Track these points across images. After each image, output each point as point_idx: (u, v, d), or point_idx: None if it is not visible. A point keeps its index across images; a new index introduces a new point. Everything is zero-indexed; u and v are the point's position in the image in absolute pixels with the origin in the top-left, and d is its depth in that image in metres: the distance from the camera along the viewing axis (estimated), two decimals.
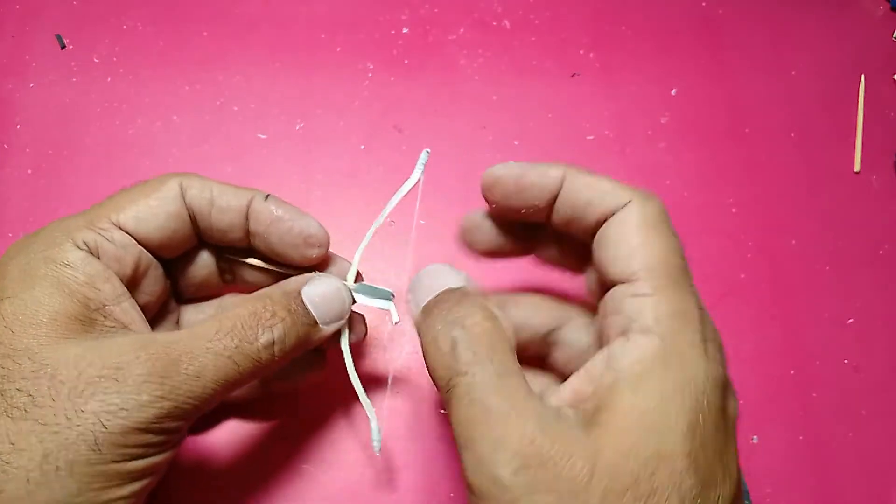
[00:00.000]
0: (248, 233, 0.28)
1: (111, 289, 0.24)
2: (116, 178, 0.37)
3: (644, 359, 0.20)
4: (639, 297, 0.21)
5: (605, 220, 0.23)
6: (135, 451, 0.22)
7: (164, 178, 0.27)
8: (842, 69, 0.43)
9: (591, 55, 0.42)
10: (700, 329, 0.21)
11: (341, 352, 0.28)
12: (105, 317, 0.24)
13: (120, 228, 0.25)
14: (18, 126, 0.38)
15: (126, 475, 0.22)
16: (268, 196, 0.28)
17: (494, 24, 0.43)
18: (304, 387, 0.33)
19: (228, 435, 0.33)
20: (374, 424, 0.27)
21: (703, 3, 0.45)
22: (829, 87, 0.43)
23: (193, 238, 0.27)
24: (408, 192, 0.29)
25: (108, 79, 0.40)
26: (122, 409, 0.21)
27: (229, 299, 0.31)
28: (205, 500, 0.31)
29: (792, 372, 0.36)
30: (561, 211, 0.24)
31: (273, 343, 0.24)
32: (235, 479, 0.32)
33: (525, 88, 0.41)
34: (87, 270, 0.24)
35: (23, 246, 0.24)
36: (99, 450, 0.21)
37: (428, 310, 0.24)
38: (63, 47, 0.40)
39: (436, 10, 0.43)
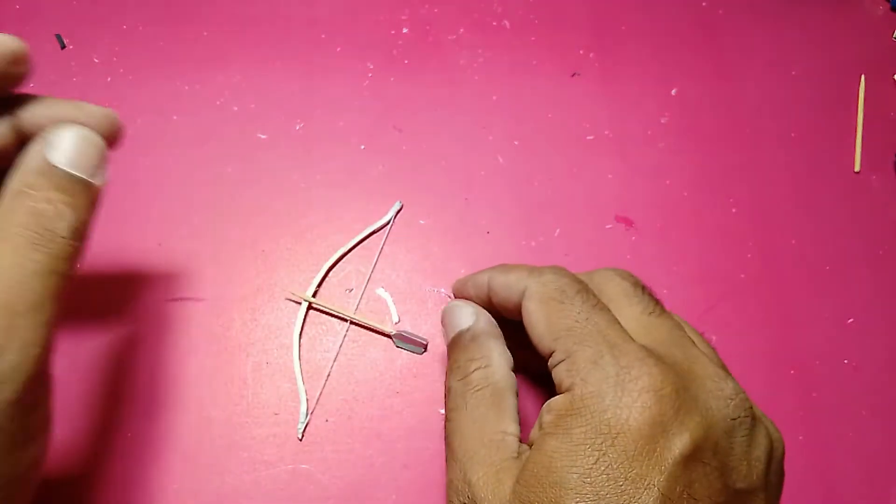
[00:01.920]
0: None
1: None
2: (116, 177, 0.37)
3: (560, 413, 0.22)
4: (556, 364, 0.24)
5: (520, 309, 0.26)
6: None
7: None
8: (842, 69, 0.43)
9: (591, 55, 0.42)
10: (612, 374, 0.22)
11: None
12: None
13: None
14: None
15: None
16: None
17: (494, 24, 0.43)
18: None
19: (229, 434, 0.33)
20: (302, 408, 0.32)
21: (704, 4, 0.45)
22: (829, 86, 0.43)
23: None
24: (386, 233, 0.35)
25: (108, 78, 0.40)
26: None
27: None
28: (205, 499, 0.31)
29: (792, 372, 0.36)
30: (497, 308, 0.28)
31: (75, 231, 0.22)
32: (235, 479, 0.32)
33: (525, 88, 0.41)
34: None
35: None
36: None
37: (448, 349, 0.29)
38: (63, 47, 0.40)
39: (436, 11, 0.43)
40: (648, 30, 0.43)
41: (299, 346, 0.34)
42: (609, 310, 0.25)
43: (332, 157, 0.39)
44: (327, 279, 0.36)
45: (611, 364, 0.22)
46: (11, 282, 0.20)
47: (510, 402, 0.26)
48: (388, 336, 0.34)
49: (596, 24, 0.43)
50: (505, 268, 0.28)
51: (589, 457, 0.21)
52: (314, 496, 0.32)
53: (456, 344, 0.28)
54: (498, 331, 0.28)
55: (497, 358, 0.27)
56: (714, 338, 0.36)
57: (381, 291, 0.36)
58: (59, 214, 0.21)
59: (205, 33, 0.41)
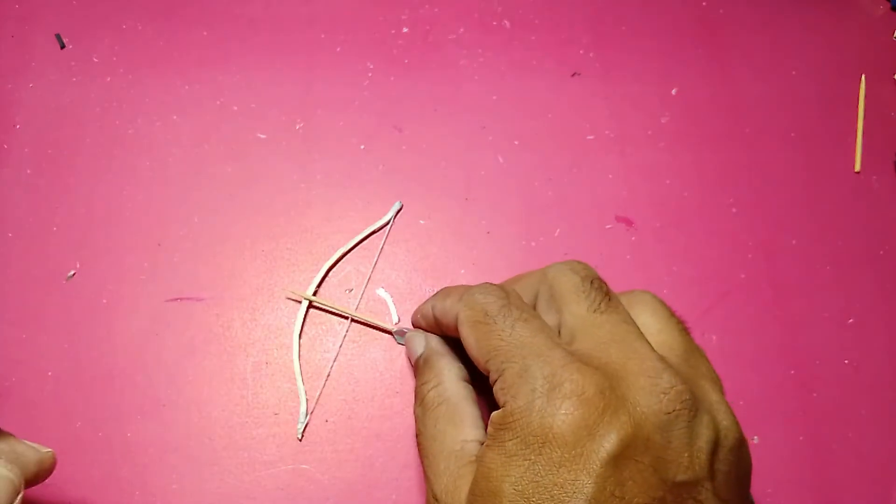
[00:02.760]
0: None
1: None
2: (116, 177, 0.37)
3: (497, 426, 0.23)
4: (493, 383, 0.24)
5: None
6: None
7: None
8: (842, 69, 0.43)
9: (592, 55, 0.42)
10: (540, 385, 0.22)
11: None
12: None
13: None
14: (18, 126, 0.38)
15: None
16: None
17: (494, 23, 0.43)
18: None
19: (229, 434, 0.33)
20: (302, 408, 0.33)
21: (704, 4, 0.45)
22: (830, 87, 0.43)
23: None
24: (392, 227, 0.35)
25: (108, 79, 0.40)
26: None
27: None
28: (205, 499, 0.31)
29: (792, 372, 0.36)
30: (444, 331, 0.29)
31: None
32: (236, 478, 0.32)
33: (525, 88, 0.41)
34: None
35: None
36: None
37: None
38: (63, 47, 0.40)
39: (436, 10, 0.43)
40: (649, 30, 0.43)
41: (299, 345, 0.34)
42: (536, 317, 0.25)
43: (332, 157, 0.39)
44: (327, 279, 0.36)
45: (538, 376, 0.22)
46: None
47: (467, 410, 0.26)
48: (389, 332, 0.34)
49: (596, 23, 0.43)
50: (444, 293, 0.29)
51: (519, 466, 0.22)
52: (314, 496, 0.32)
53: (414, 372, 0.30)
54: (446, 349, 0.30)
55: (447, 374, 0.28)
56: (714, 338, 0.36)
57: (381, 291, 0.36)
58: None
59: (205, 33, 0.41)
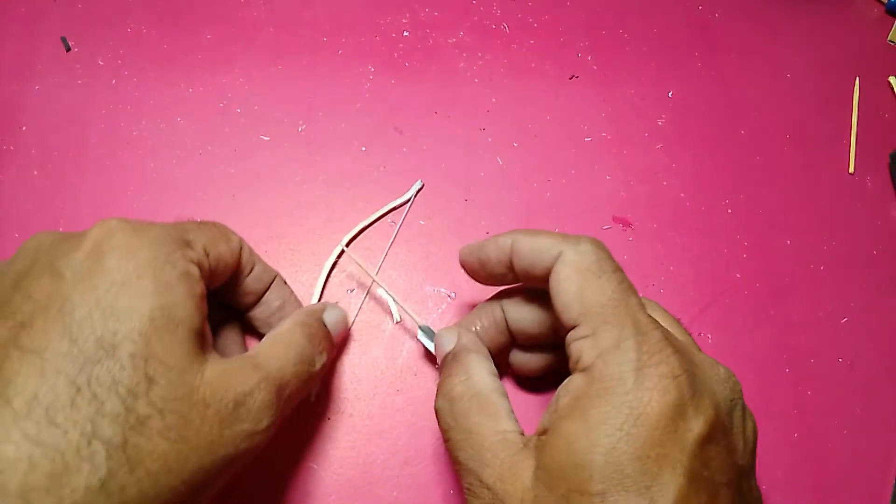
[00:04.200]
0: (257, 300, 0.32)
1: (205, 307, 0.25)
2: (121, 179, 0.38)
3: (577, 395, 0.23)
4: (579, 339, 0.24)
5: (547, 274, 0.26)
6: (235, 469, 0.24)
7: (227, 230, 0.29)
8: (837, 71, 0.44)
9: (589, 58, 0.43)
10: (634, 359, 0.22)
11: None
12: (205, 335, 0.24)
13: (208, 258, 0.26)
14: (24, 128, 0.39)
15: (218, 482, 0.24)
16: (284, 281, 0.33)
17: (494, 27, 0.43)
18: None
19: None
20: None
21: (700, 7, 0.45)
22: (824, 89, 0.43)
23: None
24: (401, 213, 0.34)
25: (113, 81, 0.40)
26: (251, 434, 0.24)
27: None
28: None
29: (787, 370, 0.36)
30: (519, 272, 0.27)
31: (323, 366, 0.28)
32: (239, 477, 0.32)
33: (524, 91, 0.42)
34: (202, 286, 0.25)
35: (138, 240, 0.23)
36: (222, 470, 0.23)
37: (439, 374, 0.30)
38: (68, 50, 0.41)
39: (436, 14, 0.43)
40: (645, 33, 0.44)
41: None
42: (637, 293, 0.25)
43: (333, 159, 0.39)
44: (329, 278, 0.36)
45: (633, 349, 0.22)
46: (290, 373, 0.26)
47: (499, 403, 0.26)
48: (416, 324, 0.33)
49: (593, 27, 0.44)
50: (532, 231, 0.27)
51: (611, 436, 0.21)
52: (315, 494, 0.32)
53: (441, 368, 0.29)
54: (478, 345, 0.29)
55: (476, 367, 0.27)
56: (710, 337, 0.36)
57: (381, 291, 0.36)
58: (321, 352, 0.28)
59: (208, 36, 0.42)
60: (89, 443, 0.20)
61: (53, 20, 0.42)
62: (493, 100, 0.41)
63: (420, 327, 0.32)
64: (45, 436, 0.20)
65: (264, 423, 0.24)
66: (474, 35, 0.43)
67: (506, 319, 0.30)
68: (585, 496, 0.21)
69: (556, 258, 0.25)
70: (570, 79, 0.42)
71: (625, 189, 0.39)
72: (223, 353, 0.27)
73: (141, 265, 0.23)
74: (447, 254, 0.37)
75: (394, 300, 0.33)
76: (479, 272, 0.29)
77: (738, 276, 0.38)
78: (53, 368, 0.20)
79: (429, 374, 0.35)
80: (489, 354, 0.29)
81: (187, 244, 0.25)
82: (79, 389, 0.20)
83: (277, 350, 0.26)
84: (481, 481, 0.24)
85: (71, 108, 0.39)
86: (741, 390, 0.25)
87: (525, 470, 0.23)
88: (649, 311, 0.26)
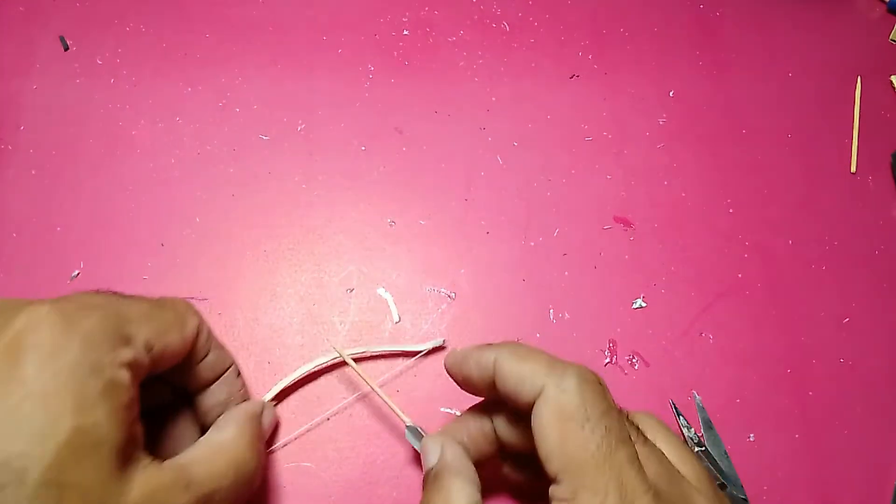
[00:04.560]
0: (206, 387, 0.29)
1: (136, 410, 0.23)
2: (120, 178, 0.38)
3: None
4: (559, 496, 0.22)
5: (531, 407, 0.23)
6: None
7: (186, 314, 0.27)
8: (838, 71, 0.44)
9: (590, 57, 0.43)
10: None
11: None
12: (132, 445, 0.22)
13: (148, 353, 0.24)
14: (22, 127, 0.39)
15: None
16: (238, 373, 0.31)
17: (494, 26, 0.43)
18: None
19: None
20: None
21: (701, 6, 0.45)
22: (826, 88, 0.43)
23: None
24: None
25: (111, 80, 0.40)
26: None
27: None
28: None
29: (788, 370, 0.36)
30: (501, 395, 0.25)
31: (257, 470, 0.27)
32: None
33: (524, 90, 0.41)
34: (131, 393, 0.22)
35: (63, 338, 0.21)
36: None
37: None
38: (66, 49, 0.41)
39: (436, 13, 0.43)
40: (646, 32, 0.44)
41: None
42: (630, 442, 0.22)
43: (333, 158, 0.39)
44: (328, 279, 0.36)
45: None
46: (214, 476, 0.25)
47: None
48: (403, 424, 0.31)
49: (594, 26, 0.44)
50: (518, 353, 0.25)
51: None
52: (315, 494, 0.32)
53: (424, 484, 0.27)
54: (464, 462, 0.26)
55: (456, 495, 0.25)
56: (711, 337, 0.36)
57: (381, 291, 0.36)
58: (257, 456, 0.27)
59: (207, 35, 0.42)
60: None
61: (52, 19, 0.41)
62: (494, 99, 0.41)
63: (407, 427, 0.30)
64: None
65: None
66: (474, 34, 0.43)
67: (495, 431, 0.28)
68: None
69: (538, 394, 0.23)
70: (571, 78, 0.42)
71: (625, 189, 0.39)
72: (172, 438, 0.28)
73: (62, 373, 0.20)
74: (447, 254, 0.37)
75: (386, 401, 0.31)
76: (462, 385, 0.28)
77: (739, 276, 0.38)
78: None
79: (429, 376, 0.34)
80: (474, 474, 0.26)
81: (125, 340, 0.23)
82: None
83: (216, 463, 0.25)
84: None
85: (69, 108, 0.39)
86: None
87: None
88: (649, 434, 0.24)
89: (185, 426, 0.29)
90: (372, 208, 0.38)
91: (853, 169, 0.41)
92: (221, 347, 0.30)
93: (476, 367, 0.26)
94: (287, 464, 0.32)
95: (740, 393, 0.35)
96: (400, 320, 0.35)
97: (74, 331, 0.21)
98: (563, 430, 0.22)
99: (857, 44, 0.45)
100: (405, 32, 0.42)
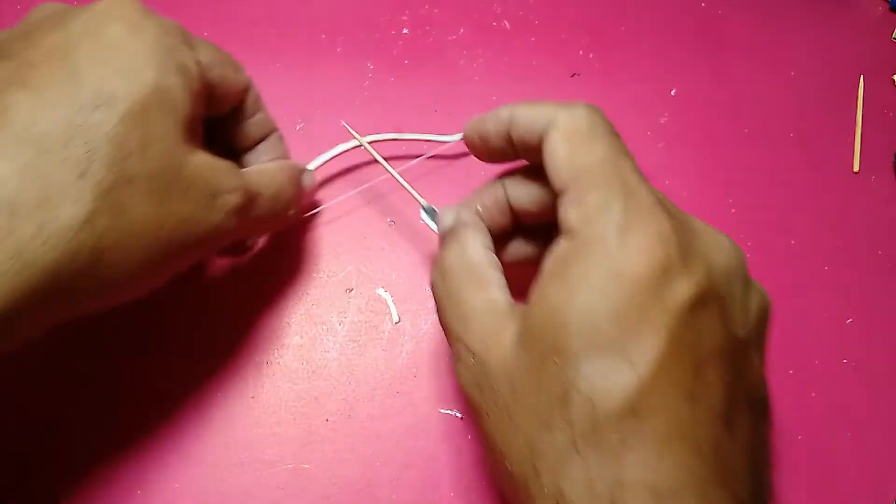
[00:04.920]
0: (251, 148, 0.33)
1: (202, 110, 0.27)
2: None
3: (560, 258, 0.22)
4: (567, 204, 0.23)
5: (542, 143, 0.25)
6: (193, 259, 0.27)
7: (239, 66, 0.31)
8: (841, 69, 0.44)
9: (591, 55, 0.42)
10: (619, 220, 0.22)
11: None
12: (196, 131, 0.26)
13: (212, 71, 0.28)
14: None
15: (174, 269, 0.26)
16: (282, 138, 0.34)
17: (494, 24, 0.43)
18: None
19: (229, 434, 0.33)
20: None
21: (703, 4, 0.45)
22: (829, 87, 0.43)
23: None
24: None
25: None
26: (218, 228, 0.26)
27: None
28: (205, 499, 0.32)
29: (791, 371, 0.36)
30: (517, 145, 0.27)
31: (290, 214, 0.31)
32: (236, 477, 0.32)
33: (525, 89, 0.41)
34: (199, 85, 0.26)
35: (146, 20, 0.25)
36: (183, 251, 0.25)
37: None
38: None
39: (436, 11, 0.43)
40: (648, 30, 0.44)
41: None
42: (633, 158, 0.24)
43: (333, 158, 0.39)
44: (328, 278, 0.36)
45: (620, 209, 0.22)
46: (259, 191, 0.28)
47: (491, 274, 0.26)
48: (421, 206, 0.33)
49: (595, 24, 0.43)
50: (530, 101, 0.26)
51: (589, 296, 0.21)
52: (314, 496, 0.32)
53: (439, 245, 0.28)
54: (476, 220, 0.28)
55: (470, 241, 0.27)
56: None
57: (381, 291, 0.36)
58: (289, 199, 0.31)
59: (205, 33, 0.41)
60: (80, 178, 0.22)
61: None
62: (494, 98, 0.41)
63: (423, 207, 0.31)
64: (39, 163, 0.21)
65: (231, 224, 0.26)
66: (474, 32, 0.42)
67: (507, 199, 0.29)
68: (562, 356, 0.21)
69: (548, 124, 0.24)
70: (572, 76, 0.42)
71: None
72: None
73: (145, 42, 0.24)
74: None
75: (400, 181, 0.32)
76: (480, 148, 0.29)
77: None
78: (52, 105, 0.22)
79: (429, 376, 0.34)
80: (487, 230, 0.28)
81: (192, 47, 0.27)
82: (76, 129, 0.22)
83: (262, 176, 0.29)
84: (467, 346, 0.24)
85: None
86: (745, 261, 0.24)
87: (507, 334, 0.23)
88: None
89: None
90: (372, 208, 0.38)
91: (856, 168, 0.41)
92: (268, 112, 0.33)
93: (493, 122, 0.27)
94: (285, 465, 0.32)
95: None
96: (400, 320, 0.35)
97: (153, 19, 0.25)
98: (572, 145, 0.23)
99: (859, 43, 0.45)
100: (405, 31, 0.42)
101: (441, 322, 0.26)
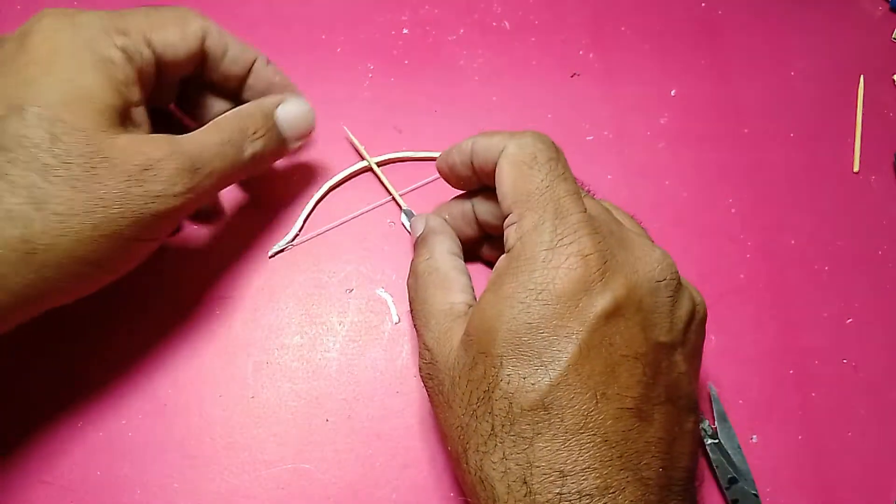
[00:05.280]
0: (243, 84, 0.33)
1: (136, 94, 0.28)
2: None
3: (498, 273, 0.26)
4: (510, 226, 0.26)
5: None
6: (155, 232, 0.28)
7: (187, 15, 0.30)
8: (841, 70, 0.43)
9: (591, 56, 0.42)
10: (548, 240, 0.24)
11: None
12: (129, 117, 0.28)
13: (149, 47, 0.29)
14: None
15: (139, 247, 0.28)
16: (268, 61, 0.34)
17: (494, 24, 0.43)
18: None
19: (229, 434, 0.33)
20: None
21: (703, 4, 0.45)
22: (829, 87, 0.43)
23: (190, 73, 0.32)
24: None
25: None
26: (163, 195, 0.27)
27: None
28: (205, 499, 0.32)
29: (791, 371, 0.36)
30: (478, 172, 0.29)
31: (255, 155, 0.30)
32: (236, 477, 0.32)
33: (524, 89, 0.41)
34: (126, 72, 0.27)
35: (60, 24, 0.27)
36: (136, 227, 0.26)
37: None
38: None
39: (436, 11, 0.43)
40: (648, 30, 0.43)
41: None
42: (573, 179, 0.26)
43: (332, 158, 0.39)
44: (327, 279, 0.36)
45: (549, 230, 0.25)
46: (211, 152, 0.29)
47: (456, 278, 0.29)
48: (400, 207, 0.37)
49: (595, 24, 0.43)
50: (488, 132, 0.29)
51: (514, 308, 0.24)
52: (314, 496, 0.32)
53: (413, 249, 0.32)
54: (445, 227, 0.32)
55: (438, 248, 0.30)
56: (713, 338, 0.36)
57: (380, 291, 0.36)
58: (253, 141, 0.30)
59: None
60: (1, 180, 0.24)
61: None
62: (494, 98, 0.41)
63: (403, 211, 0.36)
64: None
65: (177, 189, 0.27)
66: (474, 32, 0.42)
67: (474, 213, 0.32)
68: (489, 358, 0.24)
69: (501, 153, 0.27)
70: (572, 77, 0.42)
71: (627, 188, 0.39)
72: None
73: (58, 47, 0.26)
74: None
75: (390, 187, 0.36)
76: (449, 176, 0.32)
77: (741, 276, 0.38)
78: None
79: None
80: (455, 237, 0.32)
81: (120, 32, 0.28)
82: None
83: (206, 133, 0.29)
84: (425, 344, 0.27)
85: None
86: (675, 273, 0.26)
87: (456, 335, 0.26)
88: (605, 205, 0.29)
89: None
90: (372, 209, 0.38)
91: (856, 168, 0.41)
92: (243, 43, 0.32)
93: (457, 153, 0.30)
94: (285, 465, 0.32)
95: (743, 394, 0.35)
96: (400, 321, 0.35)
97: (70, 21, 0.27)
98: (516, 172, 0.26)
99: (859, 43, 0.45)
100: (405, 31, 0.42)
101: (412, 319, 0.29)
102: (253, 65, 0.33)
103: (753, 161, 0.41)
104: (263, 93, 0.33)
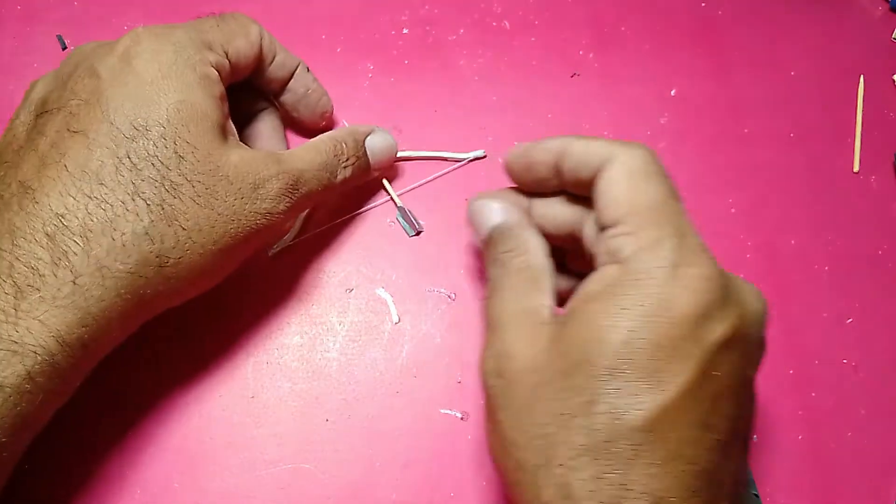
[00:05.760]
0: (283, 87, 0.35)
1: (227, 106, 0.30)
2: None
3: (609, 283, 0.24)
4: (619, 236, 0.25)
5: (591, 179, 0.27)
6: (256, 246, 0.30)
7: (247, 22, 0.32)
8: (841, 69, 0.43)
9: (591, 55, 0.42)
10: (671, 257, 0.23)
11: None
12: (228, 130, 0.29)
13: (226, 58, 0.30)
14: None
15: (241, 259, 0.30)
16: (308, 68, 0.36)
17: (494, 24, 0.43)
18: None
19: (229, 434, 0.33)
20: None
21: (703, 4, 0.45)
22: (829, 87, 0.43)
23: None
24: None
25: None
26: (270, 213, 0.29)
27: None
28: (205, 499, 0.32)
29: (791, 372, 0.36)
30: (565, 176, 0.28)
31: (344, 180, 0.32)
32: (236, 477, 0.32)
33: (525, 89, 0.41)
34: (220, 87, 0.29)
35: (161, 45, 0.28)
36: (244, 241, 0.28)
37: (484, 245, 0.30)
38: (64, 48, 0.40)
39: (436, 11, 0.43)
40: (648, 30, 0.43)
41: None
42: (682, 201, 0.26)
43: None
44: (327, 279, 0.36)
45: (672, 248, 0.24)
46: (309, 174, 0.30)
47: (547, 282, 0.27)
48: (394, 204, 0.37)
49: (595, 24, 0.43)
50: (582, 137, 0.28)
51: (634, 321, 0.23)
52: (314, 496, 0.32)
53: (492, 240, 0.29)
54: (531, 221, 0.30)
55: (534, 245, 0.28)
56: None
57: (381, 291, 0.36)
58: (345, 166, 0.32)
59: None
60: (133, 199, 0.26)
61: (49, 18, 0.41)
62: (494, 98, 0.41)
63: (398, 207, 0.35)
64: (97, 192, 0.25)
65: (281, 207, 0.29)
66: (475, 32, 0.42)
67: (531, 214, 0.31)
68: (594, 369, 0.23)
69: (607, 160, 0.26)
70: (572, 76, 0.42)
71: None
72: (259, 137, 0.34)
73: (164, 67, 0.27)
74: (447, 254, 0.37)
75: (392, 195, 0.37)
76: (523, 176, 0.30)
77: (741, 276, 0.37)
78: (98, 143, 0.26)
79: (429, 376, 0.34)
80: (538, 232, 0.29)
81: (207, 47, 0.29)
82: (120, 160, 0.26)
83: (305, 154, 0.31)
84: (502, 339, 0.26)
85: None
86: (767, 309, 0.26)
87: (543, 336, 0.25)
88: None
89: (271, 129, 0.35)
90: (372, 209, 0.38)
91: (856, 168, 0.41)
92: (285, 50, 0.34)
93: (542, 152, 0.29)
94: (285, 465, 0.32)
95: None
96: (400, 321, 0.35)
97: (167, 40, 0.28)
98: (630, 183, 0.25)
99: (859, 43, 0.44)
100: (405, 31, 0.42)
101: (486, 304, 0.28)
102: (296, 70, 0.34)
103: (753, 161, 0.40)
104: (302, 97, 0.35)
